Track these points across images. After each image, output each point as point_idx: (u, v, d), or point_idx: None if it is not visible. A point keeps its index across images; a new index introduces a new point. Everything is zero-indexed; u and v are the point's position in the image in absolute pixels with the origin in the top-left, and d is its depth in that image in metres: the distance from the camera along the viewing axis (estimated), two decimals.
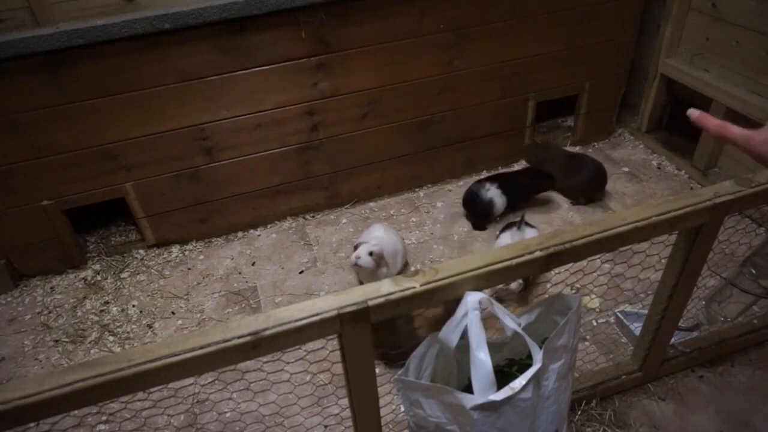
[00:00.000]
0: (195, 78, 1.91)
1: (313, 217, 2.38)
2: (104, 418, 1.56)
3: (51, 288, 2.10)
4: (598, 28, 2.34)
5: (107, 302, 2.01)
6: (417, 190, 2.49)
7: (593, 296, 1.82)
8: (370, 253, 1.72)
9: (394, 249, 1.88)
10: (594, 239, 1.06)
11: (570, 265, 1.14)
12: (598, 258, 1.87)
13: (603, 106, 2.60)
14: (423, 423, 1.10)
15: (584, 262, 1.52)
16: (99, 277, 2.12)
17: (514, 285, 1.78)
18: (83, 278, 2.13)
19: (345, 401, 1.17)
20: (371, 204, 2.42)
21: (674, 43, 2.35)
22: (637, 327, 1.58)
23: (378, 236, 1.86)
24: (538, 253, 1.03)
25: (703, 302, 1.62)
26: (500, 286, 1.77)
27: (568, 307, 1.17)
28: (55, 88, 1.79)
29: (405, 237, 2.21)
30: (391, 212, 2.37)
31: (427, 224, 2.28)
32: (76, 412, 0.86)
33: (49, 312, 2.00)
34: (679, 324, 1.45)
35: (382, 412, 1.15)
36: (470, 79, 2.26)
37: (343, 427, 1.46)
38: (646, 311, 1.45)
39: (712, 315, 1.58)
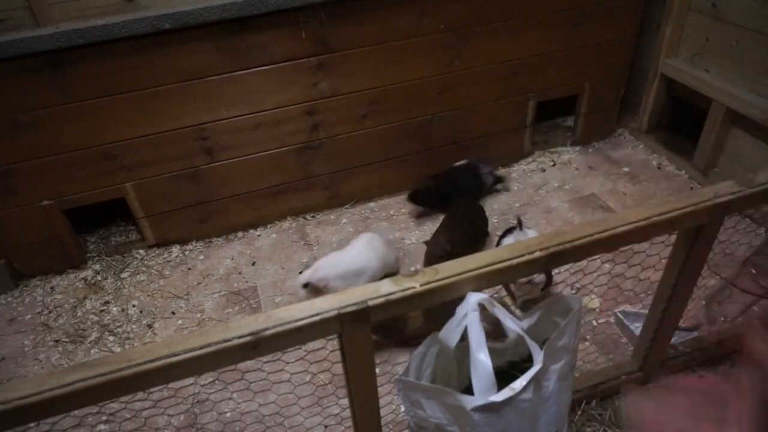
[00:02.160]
0: (195, 78, 1.91)
1: (313, 217, 2.38)
2: (104, 418, 1.56)
3: (51, 288, 2.10)
4: (598, 28, 2.34)
5: (107, 302, 2.01)
6: None
7: (593, 296, 1.82)
8: (305, 285, 1.70)
9: (358, 268, 1.80)
10: (594, 239, 1.06)
11: (570, 265, 1.14)
12: (598, 258, 1.87)
13: (603, 106, 2.60)
14: (423, 424, 1.10)
15: (584, 262, 1.52)
16: (99, 277, 2.12)
17: (538, 279, 1.74)
18: (83, 278, 2.13)
19: (345, 401, 1.17)
20: (371, 204, 2.42)
21: (674, 43, 2.35)
22: (637, 327, 1.58)
23: (337, 261, 1.80)
24: (538, 253, 1.03)
25: (704, 302, 1.62)
26: (522, 281, 1.72)
27: (568, 309, 1.17)
28: (55, 88, 1.79)
29: (405, 237, 2.21)
30: (392, 212, 2.37)
31: (427, 224, 2.28)
32: (76, 412, 0.86)
33: (49, 312, 1.99)
34: (679, 324, 1.45)
35: (382, 412, 1.15)
36: (470, 79, 2.26)
37: (343, 427, 1.46)
38: (646, 311, 1.45)
39: (712, 315, 1.59)
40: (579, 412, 1.46)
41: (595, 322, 1.76)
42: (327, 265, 1.78)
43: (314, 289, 1.72)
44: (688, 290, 1.32)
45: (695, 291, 1.35)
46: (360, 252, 1.85)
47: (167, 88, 1.90)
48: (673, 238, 1.27)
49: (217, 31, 1.84)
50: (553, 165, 2.57)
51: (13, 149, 1.85)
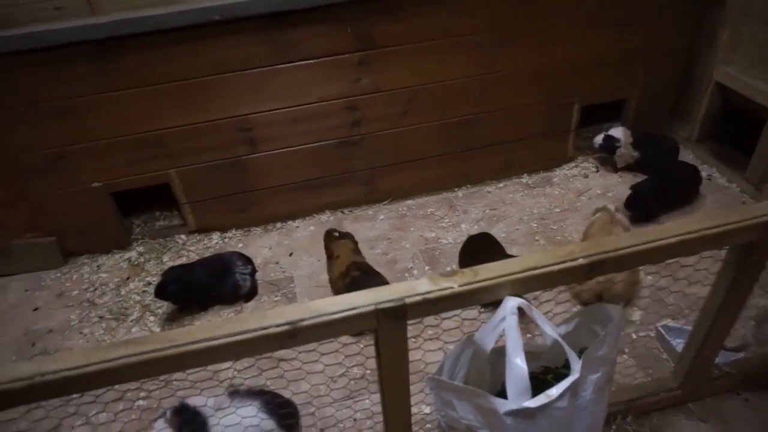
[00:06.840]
0: (240, 69, 1.95)
1: (350, 211, 2.40)
2: (143, 394, 1.61)
3: (97, 266, 2.19)
4: (650, 31, 2.26)
5: (149, 283, 2.08)
6: (455, 189, 2.47)
7: (634, 308, 1.77)
8: None
9: None
10: (636, 250, 1.03)
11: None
12: (642, 269, 1.81)
13: (652, 112, 2.52)
14: (454, 424, 1.09)
15: None
16: (142, 259, 2.19)
17: None
18: (128, 259, 2.21)
19: (377, 396, 1.18)
20: (409, 201, 2.42)
21: (731, 50, 2.25)
22: (679, 343, 1.53)
23: None
24: (580, 261, 1.00)
25: (753, 322, 1.55)
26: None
27: (608, 318, 1.14)
28: (106, 74, 1.85)
29: (441, 236, 2.20)
30: (429, 211, 2.36)
31: (464, 224, 2.26)
32: (117, 386, 0.89)
33: (95, 289, 2.08)
34: (725, 343, 1.39)
35: (413, 410, 1.15)
36: (512, 80, 2.22)
37: (372, 422, 1.47)
38: (689, 327, 1.40)
39: (761, 336, 1.51)
40: (614, 427, 1.42)
41: (634, 335, 1.70)
42: None
43: None
44: (736, 309, 1.27)
45: (744, 310, 1.29)
46: None
47: (213, 78, 1.95)
48: (723, 253, 1.21)
49: (264, 23, 1.87)
50: (597, 171, 2.51)
51: (66, 132, 1.93)
